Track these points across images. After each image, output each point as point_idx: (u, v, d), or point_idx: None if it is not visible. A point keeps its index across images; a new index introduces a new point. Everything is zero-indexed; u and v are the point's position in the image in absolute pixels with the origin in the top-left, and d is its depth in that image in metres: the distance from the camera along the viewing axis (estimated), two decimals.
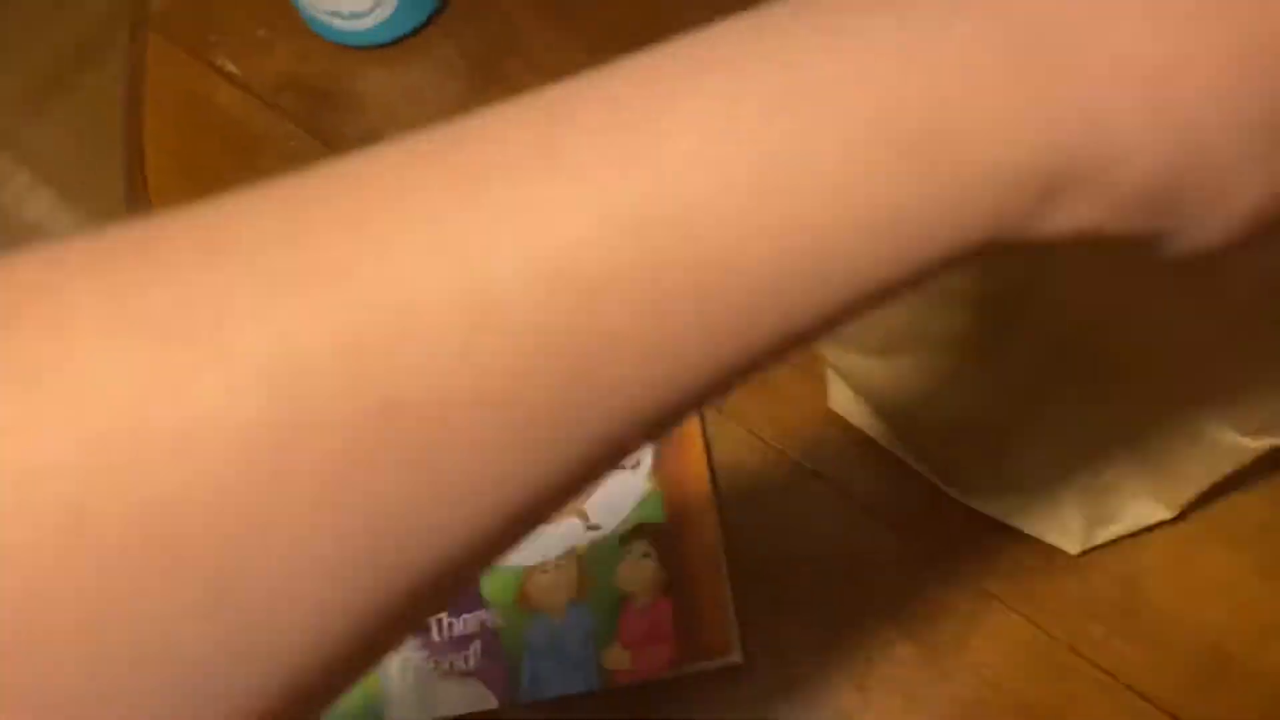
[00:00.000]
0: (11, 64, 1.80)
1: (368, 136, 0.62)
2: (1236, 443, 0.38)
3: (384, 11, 0.60)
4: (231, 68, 0.63)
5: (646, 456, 0.51)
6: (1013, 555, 0.48)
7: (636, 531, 0.50)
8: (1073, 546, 0.47)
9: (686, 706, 0.48)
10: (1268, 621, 0.46)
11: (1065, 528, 0.47)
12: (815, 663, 0.48)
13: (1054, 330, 0.38)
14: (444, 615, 0.50)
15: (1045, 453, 0.45)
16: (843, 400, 0.50)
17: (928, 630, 0.48)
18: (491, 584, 0.50)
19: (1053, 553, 0.47)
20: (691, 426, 0.52)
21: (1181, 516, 0.45)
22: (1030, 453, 0.45)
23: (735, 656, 0.48)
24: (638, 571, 0.50)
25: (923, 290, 0.19)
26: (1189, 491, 0.43)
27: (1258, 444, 0.38)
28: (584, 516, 0.51)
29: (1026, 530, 0.48)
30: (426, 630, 0.50)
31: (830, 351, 0.46)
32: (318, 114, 0.62)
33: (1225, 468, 0.40)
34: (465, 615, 0.50)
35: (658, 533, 0.50)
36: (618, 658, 0.48)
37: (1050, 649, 0.47)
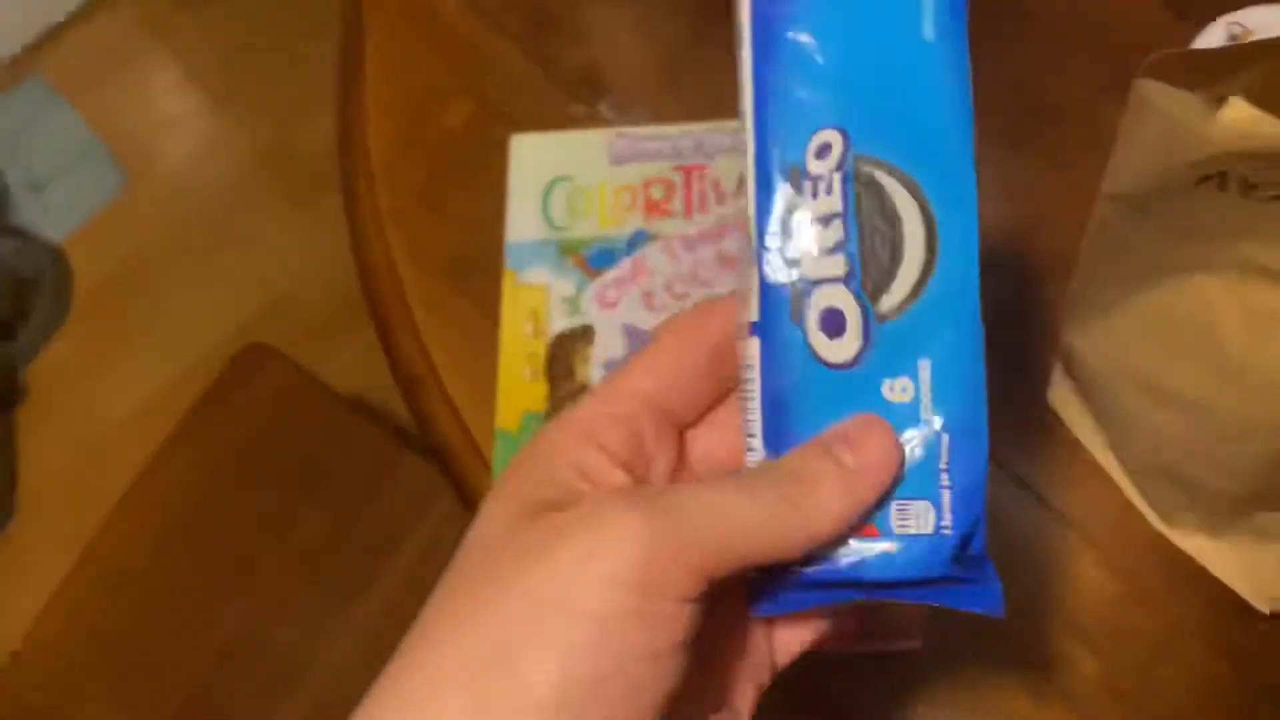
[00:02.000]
0: None
1: (587, 67, 0.61)
2: None
3: None
4: None
5: None
6: (1214, 594, 0.46)
7: None
8: (1265, 606, 0.45)
9: (852, 683, 0.47)
10: None
11: (1261, 587, 0.45)
12: (992, 663, 0.46)
13: None
14: None
15: (1274, 518, 0.43)
16: (1063, 401, 0.49)
17: (1114, 650, 0.46)
18: None
19: None
20: None
21: None
22: (1260, 518, 0.43)
23: (916, 642, 0.47)
24: None
25: None
26: None
27: None
28: None
29: (1220, 577, 0.46)
30: None
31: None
32: (540, 38, 0.62)
33: None
34: None
35: None
36: None
37: (1240, 692, 0.45)
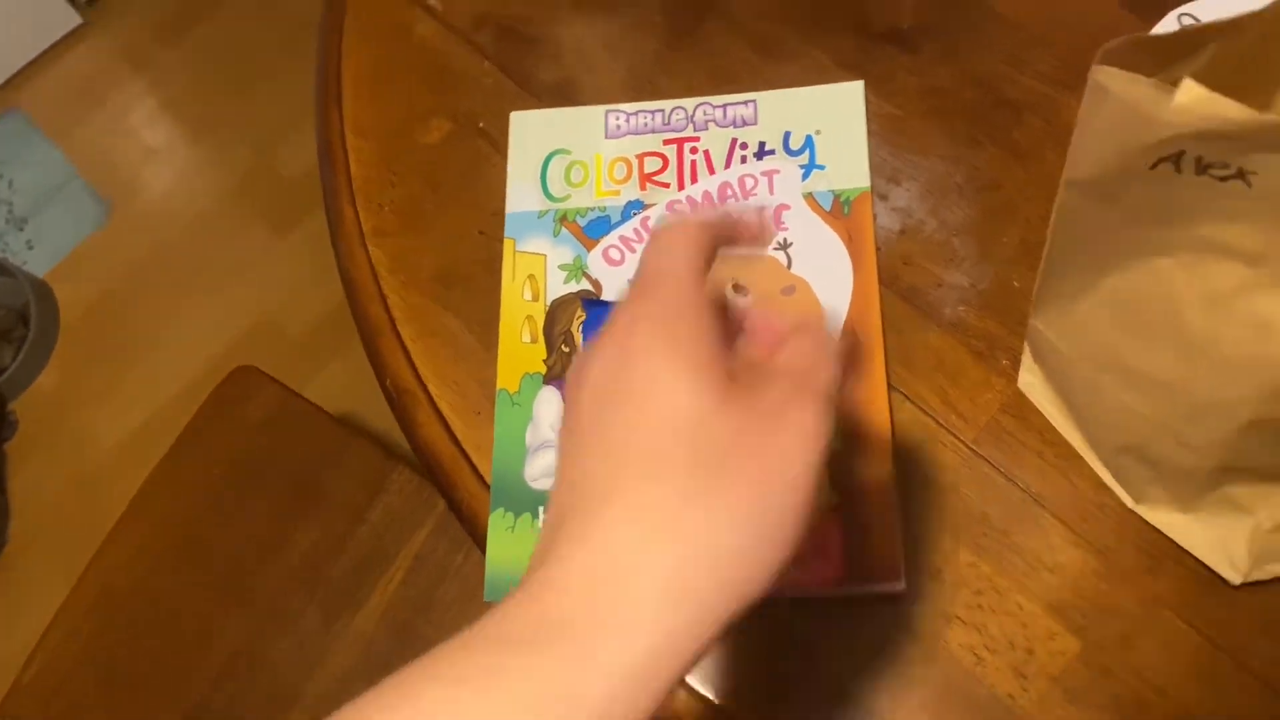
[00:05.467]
0: None
1: (563, 84, 0.63)
2: None
3: None
4: (433, 0, 0.65)
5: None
6: (1186, 566, 0.48)
7: None
8: (1235, 577, 0.46)
9: (835, 623, 0.48)
10: None
11: (1231, 559, 0.46)
12: (976, 641, 0.48)
13: None
14: None
15: (1240, 491, 0.44)
16: (1033, 386, 0.50)
17: (1094, 626, 0.47)
18: None
19: None
20: (878, 370, 0.52)
21: None
22: (1227, 490, 0.44)
23: (900, 584, 0.48)
24: None
25: None
26: None
27: None
28: None
29: (1191, 551, 0.47)
30: None
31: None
32: (515, 55, 0.63)
33: None
34: None
35: (831, 456, 0.50)
36: None
37: (1216, 661, 0.46)
